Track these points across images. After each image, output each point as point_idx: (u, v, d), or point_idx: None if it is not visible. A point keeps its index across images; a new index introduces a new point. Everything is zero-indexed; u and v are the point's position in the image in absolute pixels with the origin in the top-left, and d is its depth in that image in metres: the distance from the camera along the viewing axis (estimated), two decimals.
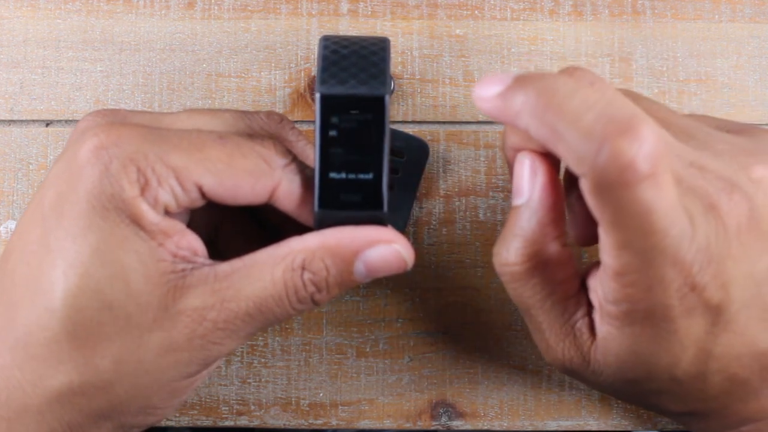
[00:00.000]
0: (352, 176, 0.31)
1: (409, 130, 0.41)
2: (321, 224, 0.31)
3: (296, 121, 0.41)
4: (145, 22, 0.42)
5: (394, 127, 0.41)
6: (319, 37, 0.33)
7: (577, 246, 0.35)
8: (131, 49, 0.42)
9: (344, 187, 0.31)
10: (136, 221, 0.30)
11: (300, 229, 0.32)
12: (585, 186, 0.29)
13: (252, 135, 0.33)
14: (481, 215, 0.41)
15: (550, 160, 0.32)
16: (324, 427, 0.41)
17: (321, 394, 0.41)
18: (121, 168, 0.30)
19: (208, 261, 0.31)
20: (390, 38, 0.36)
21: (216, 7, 0.42)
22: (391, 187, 0.40)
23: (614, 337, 0.31)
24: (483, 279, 0.41)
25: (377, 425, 0.41)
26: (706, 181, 0.30)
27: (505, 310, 0.41)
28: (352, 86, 0.31)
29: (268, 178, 0.31)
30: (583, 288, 0.33)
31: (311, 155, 0.34)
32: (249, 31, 0.42)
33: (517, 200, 0.32)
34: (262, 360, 0.41)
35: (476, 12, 0.42)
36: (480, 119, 0.41)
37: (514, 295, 0.33)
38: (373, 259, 0.31)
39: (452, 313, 0.41)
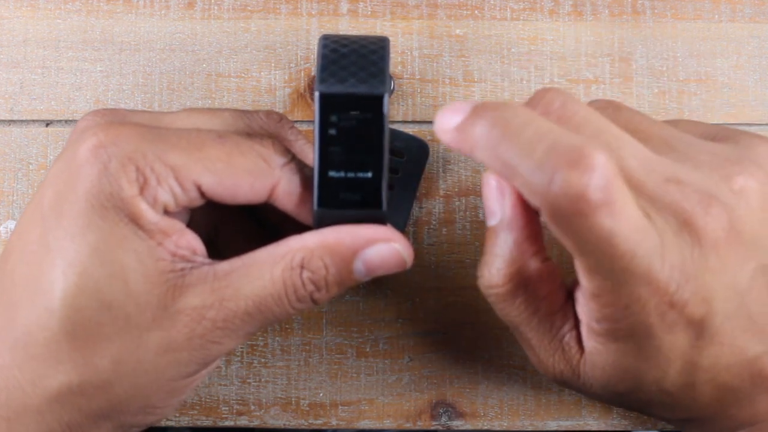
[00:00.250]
0: (351, 175, 0.31)
1: (409, 130, 0.41)
2: (320, 223, 0.31)
3: (296, 121, 0.41)
4: (145, 22, 0.42)
5: (394, 127, 0.41)
6: (319, 37, 0.32)
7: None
8: (131, 49, 0.42)
9: (343, 185, 0.31)
10: (135, 220, 0.30)
11: (299, 228, 0.32)
12: (544, 217, 0.28)
13: (251, 134, 0.33)
14: (481, 215, 0.41)
15: None
16: (324, 427, 0.41)
17: (321, 394, 0.41)
18: (120, 167, 0.30)
19: (208, 260, 0.31)
20: (390, 38, 0.36)
21: (216, 7, 0.42)
22: (391, 186, 0.40)
23: (600, 353, 0.31)
24: None
25: (377, 425, 0.41)
26: (684, 195, 0.30)
27: None
28: (352, 85, 0.31)
29: (267, 177, 0.31)
30: (571, 300, 0.33)
31: (310, 154, 0.34)
32: (249, 31, 0.42)
33: (491, 221, 0.32)
34: (262, 360, 0.41)
35: (476, 12, 0.42)
36: None
37: (501, 315, 0.33)
38: (372, 258, 0.31)
39: (452, 313, 0.41)
